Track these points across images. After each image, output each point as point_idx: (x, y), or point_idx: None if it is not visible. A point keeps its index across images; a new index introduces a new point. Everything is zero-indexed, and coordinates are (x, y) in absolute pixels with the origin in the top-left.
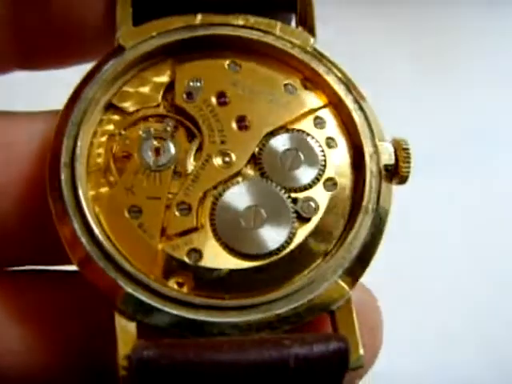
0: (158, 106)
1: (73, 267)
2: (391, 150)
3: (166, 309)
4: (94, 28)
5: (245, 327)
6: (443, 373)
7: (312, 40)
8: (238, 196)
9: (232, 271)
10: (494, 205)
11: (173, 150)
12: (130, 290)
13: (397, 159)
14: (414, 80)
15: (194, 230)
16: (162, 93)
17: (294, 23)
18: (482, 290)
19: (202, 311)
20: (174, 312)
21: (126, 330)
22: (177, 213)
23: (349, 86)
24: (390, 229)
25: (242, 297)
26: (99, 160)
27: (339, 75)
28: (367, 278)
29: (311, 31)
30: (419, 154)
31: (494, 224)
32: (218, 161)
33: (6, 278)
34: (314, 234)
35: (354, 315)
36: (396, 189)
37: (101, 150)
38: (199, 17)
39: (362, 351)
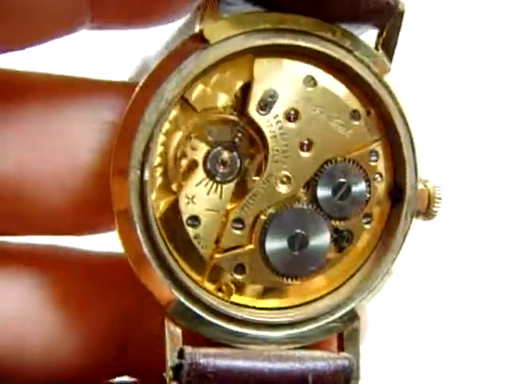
0: (227, 107)
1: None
2: (427, 196)
3: (212, 319)
4: None
5: (273, 341)
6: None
7: (388, 68)
8: (289, 219)
9: (269, 288)
10: None
11: (238, 163)
12: (182, 299)
13: (429, 204)
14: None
15: (244, 246)
16: (234, 94)
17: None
18: (478, 286)
19: (241, 325)
20: (218, 323)
21: (173, 335)
22: (231, 228)
23: (408, 123)
24: None
25: (271, 308)
26: (161, 157)
27: (402, 109)
28: None
29: (390, 57)
30: None
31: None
32: (277, 182)
33: (44, 261)
34: (344, 262)
35: (360, 337)
36: None
37: (163, 143)
38: (288, 19)
39: (360, 372)
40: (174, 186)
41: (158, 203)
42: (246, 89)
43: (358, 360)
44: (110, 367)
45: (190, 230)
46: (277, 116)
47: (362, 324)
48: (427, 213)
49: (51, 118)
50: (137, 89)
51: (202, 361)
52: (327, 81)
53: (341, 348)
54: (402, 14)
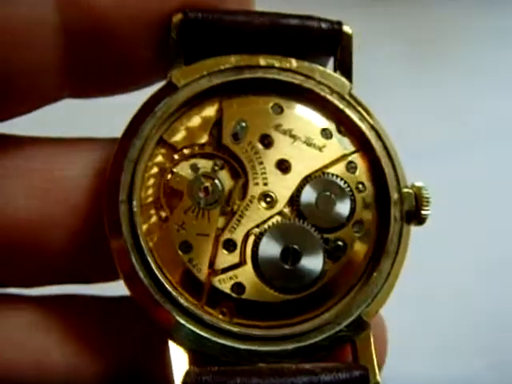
0: (204, 143)
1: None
2: (413, 197)
3: (216, 339)
4: (145, 64)
5: (281, 355)
6: (443, 375)
7: (349, 86)
8: (278, 235)
9: (270, 303)
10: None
11: (220, 189)
12: (183, 321)
13: (417, 205)
14: (411, 79)
15: (238, 265)
16: (209, 131)
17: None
18: (482, 289)
19: (246, 342)
20: (223, 342)
21: (179, 356)
22: (223, 249)
23: (379, 133)
24: None
25: (277, 325)
26: (150, 194)
27: (371, 122)
28: None
29: (348, 76)
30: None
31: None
32: (261, 202)
33: (58, 302)
34: (342, 271)
35: (372, 345)
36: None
37: (151, 184)
38: (246, 59)
39: (379, 378)
40: (163, 215)
41: (152, 236)
42: (218, 121)
43: (373, 369)
44: None
45: (184, 255)
46: (250, 143)
47: (379, 335)
48: (417, 214)
49: (49, 167)
50: (121, 133)
51: (207, 379)
52: (293, 106)
53: (355, 358)
54: (347, 35)
